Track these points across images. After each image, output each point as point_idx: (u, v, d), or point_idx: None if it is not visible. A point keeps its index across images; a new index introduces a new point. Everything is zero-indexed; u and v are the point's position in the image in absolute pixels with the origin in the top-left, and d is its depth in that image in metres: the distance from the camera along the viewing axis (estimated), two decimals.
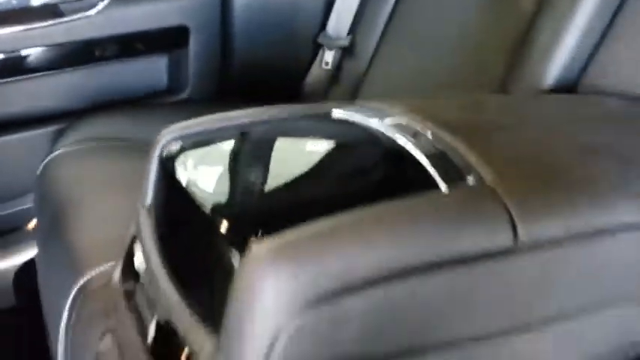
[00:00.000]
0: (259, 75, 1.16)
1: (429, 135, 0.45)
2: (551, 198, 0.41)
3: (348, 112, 0.51)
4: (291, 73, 1.18)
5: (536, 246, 0.40)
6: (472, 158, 0.42)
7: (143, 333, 0.44)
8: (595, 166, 0.45)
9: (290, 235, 0.35)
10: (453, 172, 0.41)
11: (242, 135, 0.50)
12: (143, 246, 0.47)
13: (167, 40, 1.09)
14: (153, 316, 0.43)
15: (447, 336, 0.39)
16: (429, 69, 0.95)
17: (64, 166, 0.88)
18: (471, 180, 0.40)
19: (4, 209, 1.09)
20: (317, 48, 1.16)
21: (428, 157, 0.43)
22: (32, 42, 0.98)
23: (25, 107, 1.03)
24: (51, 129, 1.05)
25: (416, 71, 0.98)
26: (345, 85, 1.12)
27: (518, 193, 0.40)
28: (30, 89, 1.03)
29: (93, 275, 0.64)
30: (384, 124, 0.48)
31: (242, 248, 0.35)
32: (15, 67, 1.00)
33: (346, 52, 1.13)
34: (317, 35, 1.16)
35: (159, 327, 0.42)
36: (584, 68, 0.71)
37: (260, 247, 0.34)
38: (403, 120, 0.48)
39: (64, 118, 1.05)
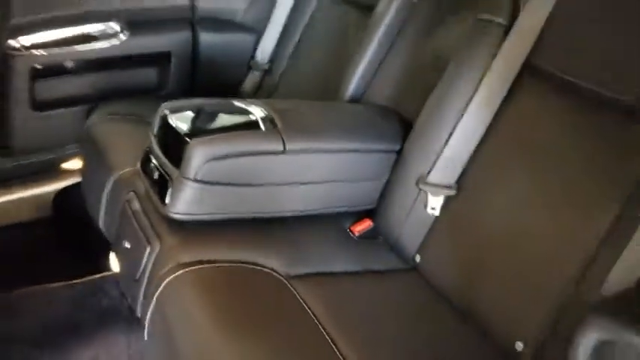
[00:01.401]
0: (213, 82, 1.88)
1: (267, 112, 1.19)
2: (304, 134, 1.16)
3: (241, 103, 1.24)
4: (233, 83, 1.90)
5: (295, 152, 1.14)
6: (279, 122, 1.16)
7: (152, 181, 1.17)
8: (329, 128, 1.20)
9: (205, 138, 1.08)
10: (269, 126, 1.15)
11: (197, 108, 1.23)
12: (152, 149, 1.19)
13: (157, 58, 1.81)
14: (156, 171, 1.16)
15: (256, 181, 1.13)
16: (306, 83, 1.70)
17: (98, 128, 1.58)
18: (273, 128, 1.14)
19: (52, 154, 1.78)
20: (249, 68, 1.90)
21: (262, 120, 1.16)
22: (81, 55, 1.68)
23: (71, 93, 1.73)
24: (85, 107, 1.74)
25: (300, 84, 1.72)
26: (264, 91, 1.86)
27: (289, 133, 1.14)
28: (75, 82, 1.72)
29: (121, 172, 1.35)
30: (252, 108, 1.21)
31: (189, 141, 1.08)
32: (68, 69, 1.69)
33: (266, 72, 1.87)
34: (249, 60, 1.89)
35: (159, 175, 1.15)
36: (366, 88, 1.46)
37: (194, 140, 1.07)
38: (261, 107, 1.21)
39: (93, 101, 1.74)
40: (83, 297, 1.42)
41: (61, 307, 1.37)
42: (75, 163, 1.82)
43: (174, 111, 1.20)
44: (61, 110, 1.74)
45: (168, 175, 1.11)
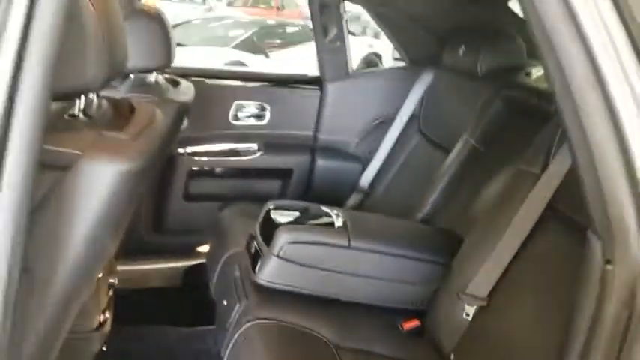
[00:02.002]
0: (323, 198, 2.27)
1: (344, 217, 1.55)
2: (367, 236, 1.49)
3: (326, 208, 1.62)
4: (339, 200, 2.29)
5: (358, 249, 1.47)
6: (349, 224, 1.51)
7: (250, 255, 1.56)
8: (389, 235, 1.52)
9: (290, 226, 1.46)
10: (342, 226, 1.50)
11: (293, 207, 1.62)
12: (255, 233, 1.59)
13: (282, 173, 2.28)
14: (254, 249, 1.54)
15: (324, 267, 1.47)
16: (395, 206, 2.04)
17: (226, 220, 2.04)
18: (344, 228, 1.49)
19: (190, 237, 2.27)
20: (354, 190, 2.29)
21: (338, 222, 1.52)
22: (226, 164, 2.21)
23: (213, 191, 2.23)
24: (220, 203, 2.22)
25: (391, 207, 2.07)
26: (364, 207, 2.22)
27: (355, 233, 1.48)
28: (217, 183, 2.23)
29: (232, 251, 1.76)
30: (333, 212, 1.58)
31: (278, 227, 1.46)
32: (214, 173, 2.22)
33: (366, 195, 2.25)
34: (355, 184, 2.29)
35: (255, 251, 1.53)
36: (434, 213, 1.77)
37: (282, 227, 1.45)
38: (340, 213, 1.58)
39: (228, 199, 2.22)
40: (185, 340, 1.80)
41: (167, 343, 1.76)
42: (205, 247, 2.28)
43: (276, 208, 1.61)
44: (204, 204, 2.25)
45: (261, 251, 1.49)
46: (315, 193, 2.31)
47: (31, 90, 0.62)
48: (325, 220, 1.57)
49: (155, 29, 1.39)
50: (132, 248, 2.16)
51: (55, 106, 0.86)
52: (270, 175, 2.30)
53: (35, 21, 0.62)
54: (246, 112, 2.26)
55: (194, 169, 2.20)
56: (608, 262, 0.79)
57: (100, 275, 1.35)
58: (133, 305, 1.80)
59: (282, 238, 1.44)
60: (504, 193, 1.47)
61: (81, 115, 0.89)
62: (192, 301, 2.14)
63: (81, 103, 0.89)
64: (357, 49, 8.20)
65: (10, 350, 0.65)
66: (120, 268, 1.90)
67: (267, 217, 1.59)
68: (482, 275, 1.42)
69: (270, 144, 2.26)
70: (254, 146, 2.26)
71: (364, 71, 2.51)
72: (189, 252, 2.29)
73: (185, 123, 2.13)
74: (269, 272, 1.45)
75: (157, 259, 2.24)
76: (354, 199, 2.28)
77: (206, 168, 2.24)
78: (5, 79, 0.61)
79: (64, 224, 0.74)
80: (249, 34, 7.67)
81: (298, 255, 1.45)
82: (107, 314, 1.42)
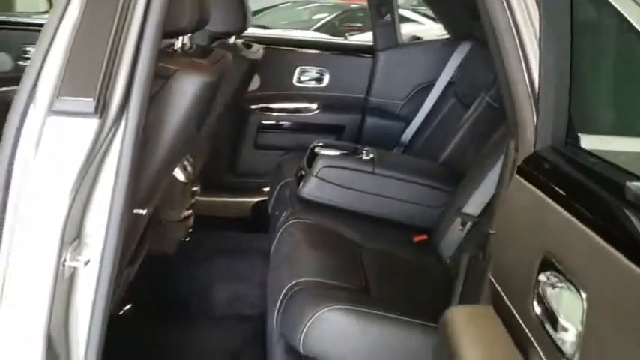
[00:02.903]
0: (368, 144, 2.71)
1: (372, 153, 1.96)
2: (388, 165, 1.90)
3: (359, 147, 2.04)
4: (386, 145, 2.68)
5: (380, 175, 1.88)
6: (375, 157, 1.93)
7: (296, 178, 2.01)
8: (407, 166, 1.92)
9: (328, 155, 1.90)
10: (369, 158, 1.92)
11: (334, 145, 2.05)
12: (303, 164, 2.04)
13: (336, 129, 2.71)
14: (300, 174, 1.99)
15: (353, 187, 1.89)
16: (428, 156, 2.42)
17: (284, 162, 2.49)
18: (371, 159, 1.91)
19: (257, 179, 2.75)
20: (396, 144, 2.68)
21: (367, 156, 1.94)
22: (289, 119, 2.67)
23: (277, 142, 2.69)
24: (278, 153, 2.68)
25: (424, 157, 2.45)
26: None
27: (379, 163, 1.89)
28: (281, 136, 2.69)
29: (284, 181, 2.20)
30: (364, 150, 2.00)
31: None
32: (279, 126, 2.68)
33: (406, 148, 2.63)
34: (398, 140, 2.68)
35: (301, 175, 1.98)
36: (452, 156, 2.14)
37: (320, 155, 1.89)
38: (370, 150, 1.99)
39: (288, 149, 2.67)
40: (246, 241, 2.32)
41: (231, 242, 2.30)
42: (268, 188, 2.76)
43: (321, 146, 2.05)
44: (269, 152, 2.72)
45: (305, 173, 1.94)
46: (364, 141, 2.71)
47: (153, 26, 1.08)
48: (361, 155, 2.00)
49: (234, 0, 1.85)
50: (211, 185, 2.69)
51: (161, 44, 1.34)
52: (326, 130, 2.73)
53: None
54: (308, 76, 2.70)
55: (263, 122, 2.68)
56: (516, 150, 1.17)
57: (186, 181, 1.85)
58: (210, 225, 2.31)
59: (320, 163, 1.88)
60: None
61: (178, 51, 1.37)
62: (255, 228, 2.64)
63: (178, 42, 1.37)
64: (431, 34, 8.45)
65: (134, 182, 1.12)
66: (202, 199, 2.42)
67: (313, 152, 2.04)
68: (476, 199, 1.79)
69: (327, 104, 2.70)
70: (313, 105, 2.71)
71: (411, 42, 2.87)
72: (256, 190, 2.77)
73: (257, 83, 2.62)
74: (309, 188, 1.89)
75: (230, 194, 2.74)
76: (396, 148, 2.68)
77: (273, 122, 2.70)
78: (138, 20, 1.08)
79: (166, 111, 1.21)
80: (331, 17, 8.11)
81: (333, 177, 1.88)
82: (190, 212, 1.92)
